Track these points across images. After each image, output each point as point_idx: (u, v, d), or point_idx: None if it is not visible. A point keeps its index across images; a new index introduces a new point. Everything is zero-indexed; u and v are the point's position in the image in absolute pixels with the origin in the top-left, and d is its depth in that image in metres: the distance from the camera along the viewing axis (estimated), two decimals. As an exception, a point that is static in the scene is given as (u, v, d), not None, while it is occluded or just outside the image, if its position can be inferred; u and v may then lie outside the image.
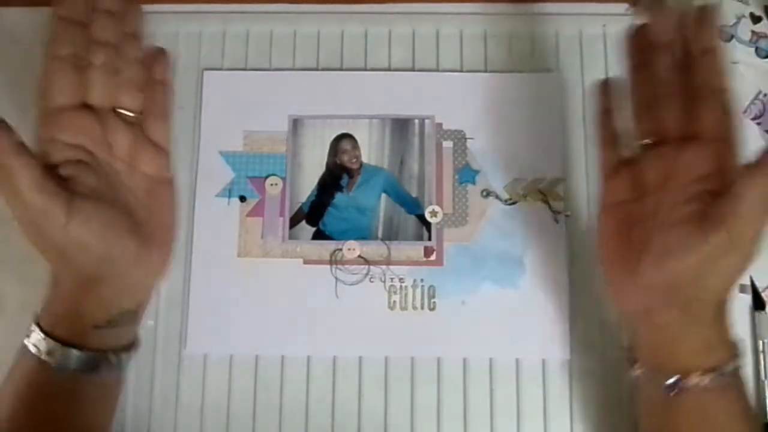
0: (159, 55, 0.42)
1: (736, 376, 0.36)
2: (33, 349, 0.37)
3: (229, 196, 0.50)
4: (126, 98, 0.40)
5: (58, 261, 0.37)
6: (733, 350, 0.37)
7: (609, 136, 0.41)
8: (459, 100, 0.51)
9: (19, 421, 0.37)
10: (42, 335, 0.37)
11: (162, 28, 0.53)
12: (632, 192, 0.39)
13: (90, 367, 0.37)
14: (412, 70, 0.52)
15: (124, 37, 0.40)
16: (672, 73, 0.38)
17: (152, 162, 0.40)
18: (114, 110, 0.39)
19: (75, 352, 0.37)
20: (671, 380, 0.36)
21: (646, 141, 0.39)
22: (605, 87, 0.41)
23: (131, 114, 0.40)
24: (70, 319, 0.37)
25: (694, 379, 0.35)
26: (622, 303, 0.40)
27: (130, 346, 0.41)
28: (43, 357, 0.36)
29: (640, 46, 0.40)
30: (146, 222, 0.39)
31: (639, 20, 0.40)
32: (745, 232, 0.33)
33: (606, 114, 0.41)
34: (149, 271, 0.40)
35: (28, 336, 0.37)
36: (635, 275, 0.37)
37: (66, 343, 0.37)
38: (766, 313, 0.47)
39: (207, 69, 0.52)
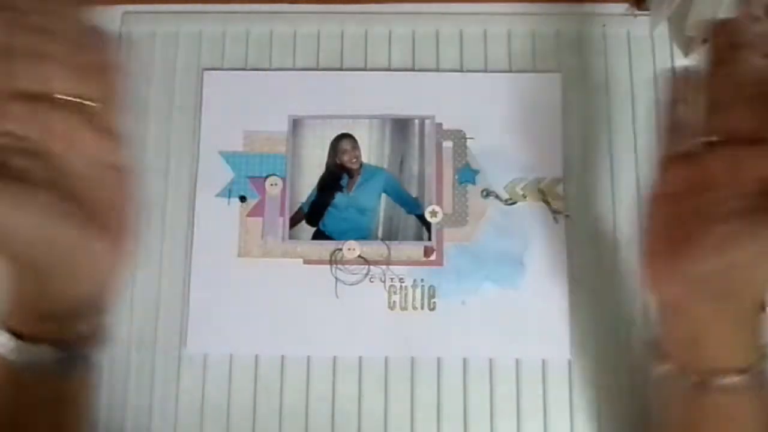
0: (98, 36, 0.38)
1: (762, 377, 0.36)
2: None
3: (229, 196, 0.50)
4: (58, 83, 0.36)
5: None
6: (761, 352, 0.37)
7: (673, 127, 0.39)
8: (459, 100, 0.51)
9: None
10: (5, 334, 0.35)
11: (162, 28, 0.53)
12: (686, 184, 0.37)
13: (56, 364, 0.36)
14: (412, 70, 0.52)
15: (55, 19, 0.36)
16: (754, 76, 0.36)
17: (97, 147, 0.37)
18: (52, 96, 0.35)
19: (39, 348, 0.36)
20: (700, 379, 0.36)
21: (712, 138, 0.36)
22: (680, 77, 0.40)
23: (69, 98, 0.36)
24: (30, 313, 0.36)
25: (724, 379, 0.35)
26: (661, 293, 0.39)
27: (96, 341, 0.39)
28: (9, 356, 0.35)
29: (725, 41, 0.37)
30: (95, 208, 0.37)
31: (731, 15, 0.38)
32: None
33: (674, 104, 0.40)
34: (102, 259, 0.38)
35: None
36: (679, 265, 0.36)
37: (31, 339, 0.36)
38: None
39: (207, 69, 0.52)
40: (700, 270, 0.36)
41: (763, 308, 0.37)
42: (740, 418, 0.36)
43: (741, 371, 0.35)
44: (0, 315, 0.37)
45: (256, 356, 0.48)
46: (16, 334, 0.36)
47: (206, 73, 0.52)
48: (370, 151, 0.51)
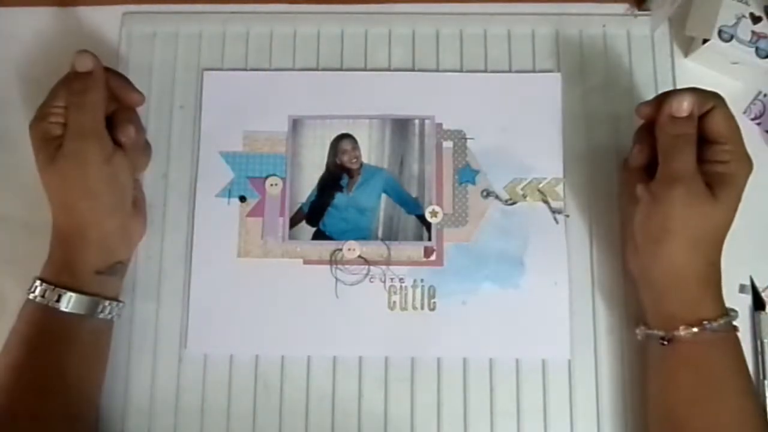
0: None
1: (727, 334, 0.42)
2: (38, 300, 0.42)
3: (229, 196, 0.50)
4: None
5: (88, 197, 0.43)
6: (722, 311, 0.42)
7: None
8: (459, 100, 0.51)
9: (20, 365, 0.42)
10: (45, 284, 0.43)
11: (162, 28, 0.53)
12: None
13: (88, 310, 0.43)
14: (412, 70, 0.52)
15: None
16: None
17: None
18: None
19: (76, 295, 0.43)
20: (664, 332, 0.42)
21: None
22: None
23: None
24: (73, 265, 0.43)
25: (683, 330, 0.41)
26: (632, 269, 0.46)
27: (118, 299, 0.47)
28: (50, 303, 0.42)
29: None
30: (137, 190, 0.48)
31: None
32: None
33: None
34: (137, 230, 0.48)
35: (32, 291, 0.43)
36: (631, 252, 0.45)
37: (68, 288, 0.43)
38: (766, 313, 0.47)
39: (207, 69, 0.52)
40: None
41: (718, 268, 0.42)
42: (707, 369, 0.41)
43: (696, 323, 0.41)
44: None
45: (256, 356, 0.48)
46: (57, 284, 0.43)
47: (206, 73, 0.52)
48: (370, 151, 0.51)
